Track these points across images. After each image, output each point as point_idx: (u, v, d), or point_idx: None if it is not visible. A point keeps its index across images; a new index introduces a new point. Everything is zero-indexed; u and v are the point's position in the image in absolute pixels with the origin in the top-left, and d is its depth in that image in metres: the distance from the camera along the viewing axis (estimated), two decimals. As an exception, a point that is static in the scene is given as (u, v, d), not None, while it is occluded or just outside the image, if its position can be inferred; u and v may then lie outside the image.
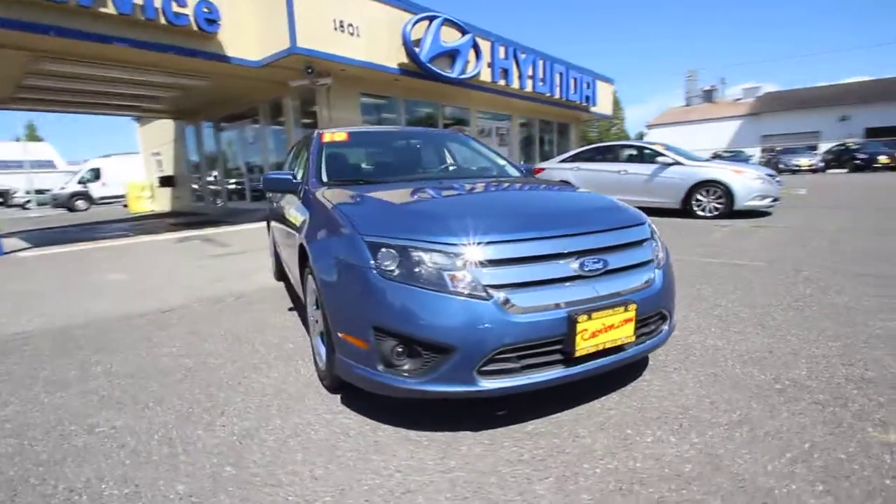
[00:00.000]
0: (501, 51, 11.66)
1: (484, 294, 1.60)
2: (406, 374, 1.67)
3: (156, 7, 6.70)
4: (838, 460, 1.53)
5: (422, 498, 1.44)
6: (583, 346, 1.66)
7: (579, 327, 1.62)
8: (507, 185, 2.64)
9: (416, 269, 1.64)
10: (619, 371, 2.12)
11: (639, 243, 1.95)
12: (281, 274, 4.51)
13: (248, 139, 12.30)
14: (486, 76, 11.30)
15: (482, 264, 1.63)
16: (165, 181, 16.20)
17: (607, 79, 17.52)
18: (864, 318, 2.80)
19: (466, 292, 1.59)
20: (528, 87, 12.78)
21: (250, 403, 2.12)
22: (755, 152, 31.94)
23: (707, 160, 9.22)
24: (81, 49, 6.85)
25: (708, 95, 46.99)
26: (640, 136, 45.65)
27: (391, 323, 1.64)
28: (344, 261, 1.80)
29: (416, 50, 9.30)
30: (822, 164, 23.61)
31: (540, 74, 13.17)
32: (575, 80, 15.04)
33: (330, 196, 2.35)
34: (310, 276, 2.23)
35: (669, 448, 1.64)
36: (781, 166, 22.81)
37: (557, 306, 1.65)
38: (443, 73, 9.97)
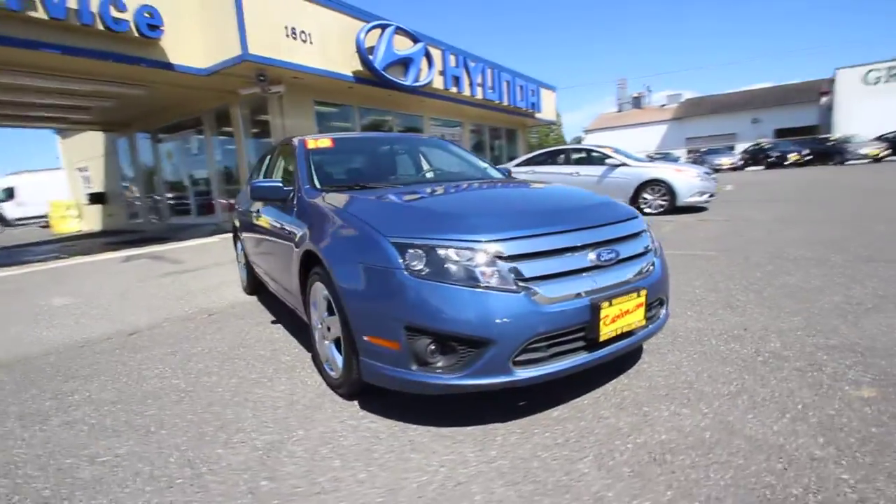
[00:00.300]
0: (452, 59, 11.89)
1: (514, 287, 1.67)
2: (441, 371, 1.70)
3: (92, 12, 6.24)
4: (829, 416, 1.74)
5: (476, 487, 1.48)
6: (605, 331, 1.77)
7: (602, 313, 1.74)
8: (502, 185, 2.74)
9: (447, 267, 1.69)
10: (622, 356, 2.26)
11: (637, 234, 2.10)
12: (255, 287, 4.35)
13: (191, 150, 11.66)
14: (438, 84, 11.47)
15: (510, 259, 1.71)
16: (95, 198, 14.96)
17: (550, 86, 18.30)
18: (814, 296, 3.16)
19: (499, 286, 1.66)
20: (479, 95, 13.09)
21: (264, 418, 2.06)
22: (682, 153, 34.45)
23: (650, 161, 9.89)
24: (7, 56, 6.24)
25: (637, 102, 50.24)
26: (578, 141, 47.88)
27: (424, 321, 1.67)
28: (369, 264, 1.80)
29: (371, 57, 9.29)
30: (741, 163, 25.92)
31: (489, 82, 13.54)
32: (521, 87, 15.60)
33: (334, 201, 2.33)
34: (317, 283, 2.20)
35: (686, 419, 1.78)
36: (706, 165, 24.82)
37: (579, 295, 1.75)
38: (397, 80, 10.01)
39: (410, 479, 1.55)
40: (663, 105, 48.03)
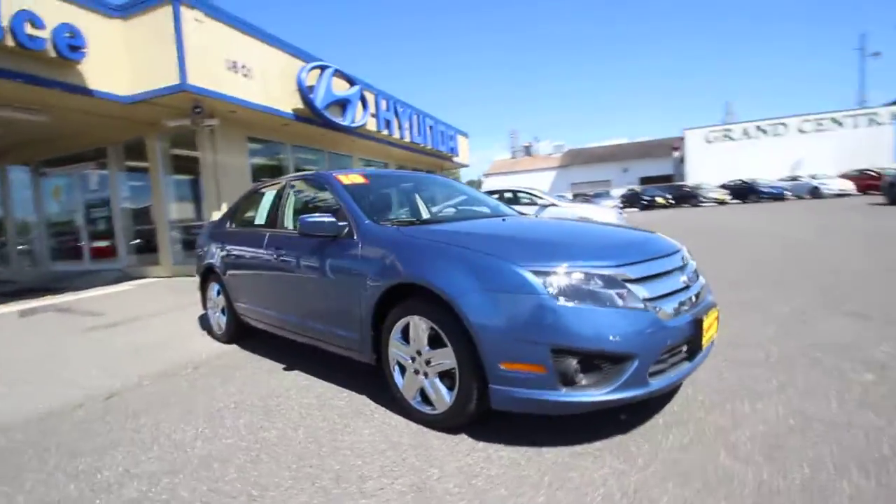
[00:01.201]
0: (384, 103, 12.23)
1: (643, 306, 1.89)
2: (586, 388, 1.82)
3: (2, 26, 5.39)
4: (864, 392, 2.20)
5: (654, 491, 1.61)
6: (703, 341, 2.06)
7: (703, 326, 2.02)
8: (553, 220, 3.02)
9: (587, 290, 1.85)
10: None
11: (687, 261, 2.48)
12: (236, 334, 3.97)
13: (88, 186, 10.17)
14: (371, 126, 11.66)
15: (635, 281, 1.93)
16: (-65, 242, 12.09)
17: (464, 133, 19.55)
18: (756, 301, 3.86)
19: (633, 306, 1.86)
20: (407, 138, 13.54)
21: (378, 462, 1.95)
22: (569, 196, 38.52)
23: (571, 202, 11.04)
24: None
25: (527, 150, 55.64)
26: (478, 184, 51.12)
27: (571, 342, 1.80)
28: (506, 292, 1.89)
29: (312, 96, 9.21)
30: (621, 205, 29.87)
31: (415, 127, 14.10)
32: (441, 132, 16.46)
33: (419, 234, 2.40)
34: (413, 317, 2.19)
35: (766, 413, 2.11)
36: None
37: (687, 311, 2.02)
38: (336, 120, 10.00)
39: (590, 494, 1.62)
40: (550, 154, 53.79)
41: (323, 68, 9.66)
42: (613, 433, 2.02)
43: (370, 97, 11.48)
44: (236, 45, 7.83)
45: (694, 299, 2.13)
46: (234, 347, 3.96)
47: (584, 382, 1.83)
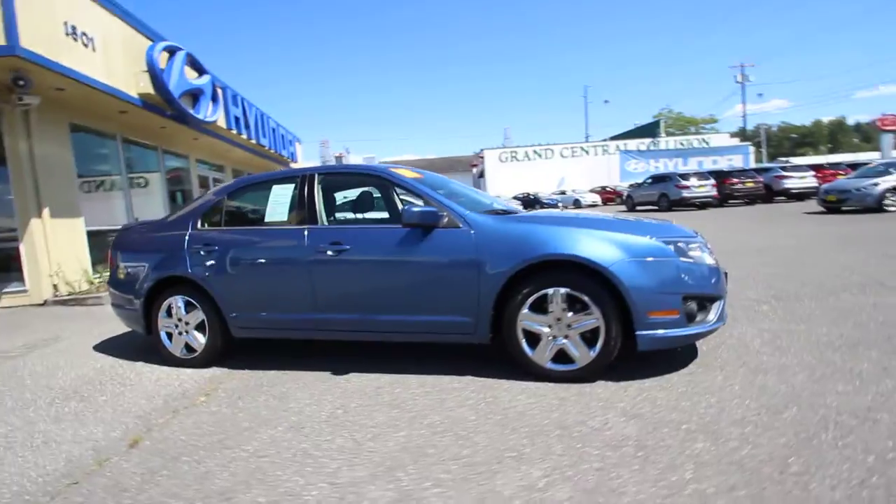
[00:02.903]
0: (233, 99, 10.97)
1: (715, 262, 2.75)
2: (700, 322, 2.58)
3: None
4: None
5: (742, 382, 2.45)
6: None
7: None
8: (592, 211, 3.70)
9: (694, 254, 2.62)
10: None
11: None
12: (222, 351, 3.43)
13: None
14: (222, 122, 10.35)
15: (704, 247, 2.77)
16: None
17: (299, 139, 18.70)
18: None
19: (712, 263, 2.71)
20: (254, 139, 12.38)
21: (566, 443, 2.07)
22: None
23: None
24: None
25: (338, 161, 55.42)
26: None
27: (694, 290, 2.55)
28: (651, 257, 2.52)
29: (165, 80, 7.73)
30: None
31: (261, 127, 12.98)
32: (283, 136, 15.48)
33: (529, 220, 2.89)
34: (557, 289, 2.56)
35: (790, 379, 3.24)
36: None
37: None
38: (190, 111, 8.59)
39: (722, 392, 2.37)
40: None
41: (173, 51, 8.25)
42: (687, 362, 2.81)
43: (219, 91, 10.20)
44: (76, 4, 6.13)
45: None
46: (223, 370, 3.39)
47: (698, 319, 2.59)
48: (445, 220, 2.84)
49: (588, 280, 2.54)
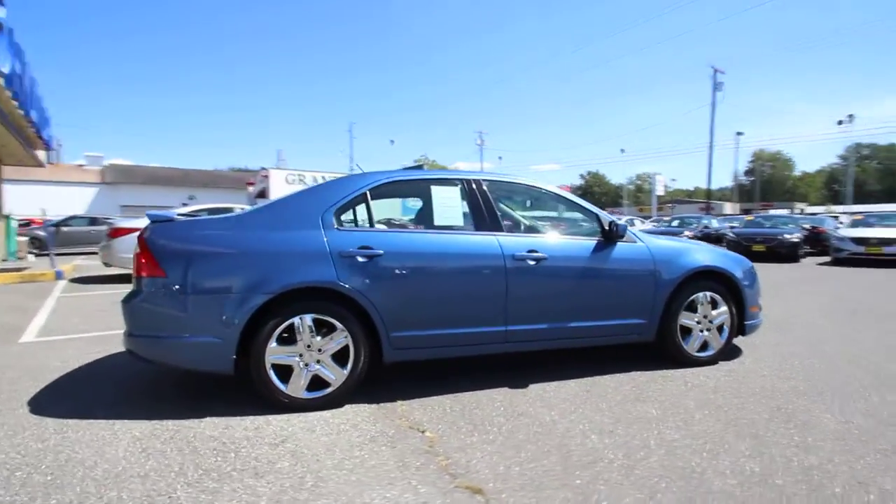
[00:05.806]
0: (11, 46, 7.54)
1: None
2: (759, 315, 3.87)
3: None
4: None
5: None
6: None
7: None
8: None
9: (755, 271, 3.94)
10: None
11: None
12: (358, 383, 2.89)
13: None
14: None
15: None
16: None
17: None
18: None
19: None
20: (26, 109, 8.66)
21: (709, 386, 3.14)
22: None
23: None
24: None
25: (48, 157, 41.14)
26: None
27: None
28: (749, 268, 3.71)
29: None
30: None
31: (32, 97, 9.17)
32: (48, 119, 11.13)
33: (672, 240, 3.72)
34: (707, 293, 3.45)
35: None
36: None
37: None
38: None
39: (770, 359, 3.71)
40: (81, 165, 42.22)
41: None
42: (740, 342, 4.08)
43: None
44: None
45: None
46: (363, 407, 2.82)
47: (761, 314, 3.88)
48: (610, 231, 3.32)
49: (721, 285, 3.52)
